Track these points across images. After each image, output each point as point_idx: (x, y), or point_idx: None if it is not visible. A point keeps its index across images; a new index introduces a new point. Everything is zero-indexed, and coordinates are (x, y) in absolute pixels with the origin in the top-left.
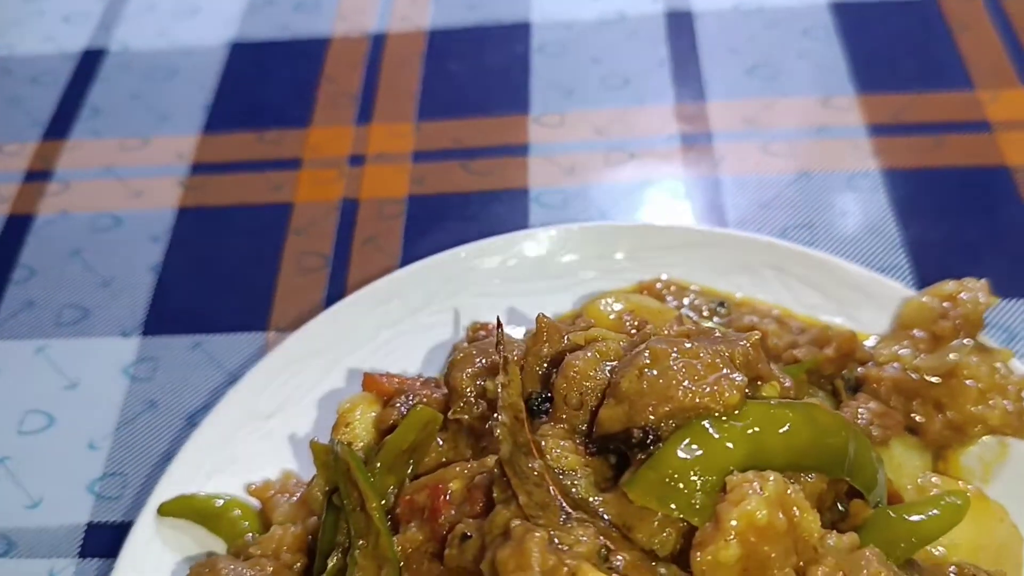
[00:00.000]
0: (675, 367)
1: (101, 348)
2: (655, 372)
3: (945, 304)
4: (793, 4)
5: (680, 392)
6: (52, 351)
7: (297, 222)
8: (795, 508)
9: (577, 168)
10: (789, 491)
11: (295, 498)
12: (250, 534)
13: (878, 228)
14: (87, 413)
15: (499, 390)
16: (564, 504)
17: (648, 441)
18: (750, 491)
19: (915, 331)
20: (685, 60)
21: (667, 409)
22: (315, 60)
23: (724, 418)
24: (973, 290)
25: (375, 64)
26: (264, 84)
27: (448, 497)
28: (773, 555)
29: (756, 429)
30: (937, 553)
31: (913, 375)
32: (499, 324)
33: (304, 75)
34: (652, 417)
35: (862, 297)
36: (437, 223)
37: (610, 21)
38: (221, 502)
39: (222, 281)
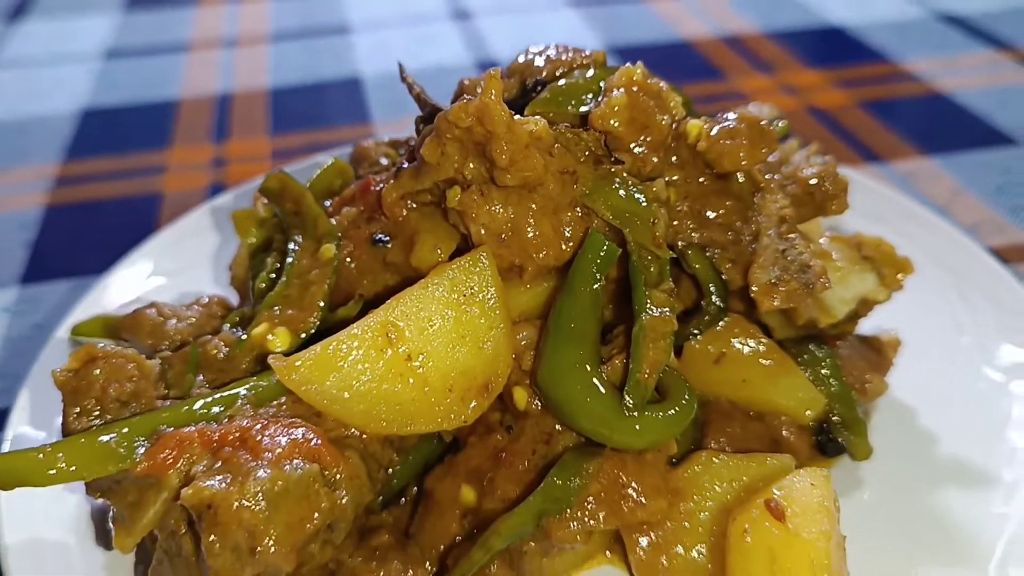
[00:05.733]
0: (553, 54)
1: None
2: (539, 52)
3: None
4: None
5: (559, 56)
6: None
7: (170, 204)
8: (661, 84)
9: None
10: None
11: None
12: None
13: None
14: None
15: (411, 89)
16: None
17: (537, 87)
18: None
19: None
20: None
21: (550, 67)
22: (167, 115)
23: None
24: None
25: (225, 111)
26: (122, 129)
27: (377, 179)
28: (651, 105)
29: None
30: None
31: None
32: (400, 64)
33: (159, 122)
34: (544, 75)
35: None
36: None
37: (430, 72)
38: None
39: (101, 243)
